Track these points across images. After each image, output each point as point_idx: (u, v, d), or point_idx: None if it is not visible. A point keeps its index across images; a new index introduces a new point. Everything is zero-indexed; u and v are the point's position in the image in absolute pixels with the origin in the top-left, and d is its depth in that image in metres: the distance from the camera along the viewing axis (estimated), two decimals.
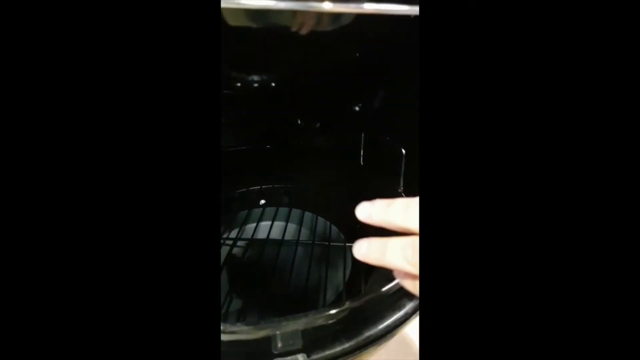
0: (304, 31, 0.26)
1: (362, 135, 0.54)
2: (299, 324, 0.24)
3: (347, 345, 0.25)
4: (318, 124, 0.62)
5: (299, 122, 0.62)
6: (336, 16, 0.25)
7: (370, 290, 0.27)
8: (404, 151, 0.45)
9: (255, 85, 0.49)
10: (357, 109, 0.55)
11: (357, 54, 0.40)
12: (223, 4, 0.18)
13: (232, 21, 0.24)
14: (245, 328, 0.24)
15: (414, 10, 0.20)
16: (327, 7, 0.19)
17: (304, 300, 0.44)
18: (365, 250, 0.21)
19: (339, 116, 0.59)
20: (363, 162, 0.56)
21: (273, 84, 0.49)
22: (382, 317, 0.27)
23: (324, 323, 0.25)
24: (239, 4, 0.18)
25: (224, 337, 0.24)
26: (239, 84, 0.49)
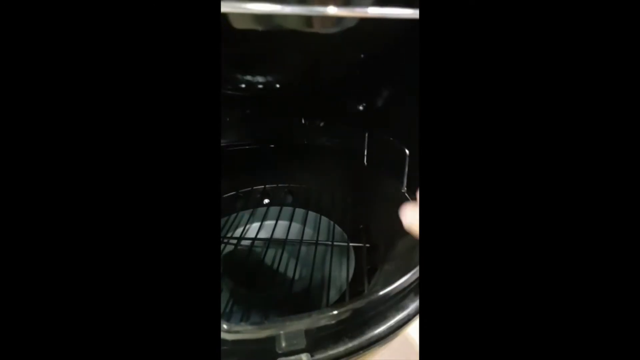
0: None
1: (366, 135, 0.55)
2: (303, 323, 0.24)
3: (350, 345, 0.25)
4: (322, 123, 0.62)
5: (303, 121, 0.62)
6: (340, 19, 0.25)
7: (373, 290, 0.27)
8: (407, 151, 0.45)
9: (260, 86, 0.49)
10: (361, 108, 0.55)
11: (362, 55, 0.40)
12: (228, 9, 0.18)
13: (237, 24, 0.24)
14: (249, 328, 0.24)
15: (417, 13, 0.20)
16: (332, 11, 0.19)
17: (307, 300, 0.45)
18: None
19: (343, 116, 0.59)
20: (367, 162, 0.56)
21: (277, 85, 0.49)
22: (385, 318, 0.28)
23: (327, 323, 0.25)
24: (244, 9, 0.18)
25: (228, 337, 0.24)
26: (243, 85, 0.49)
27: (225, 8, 0.18)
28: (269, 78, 0.47)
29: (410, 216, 0.21)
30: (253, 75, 0.46)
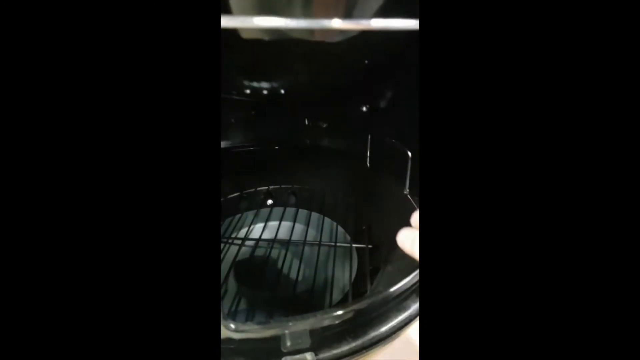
0: None
1: (369, 137, 0.55)
2: (307, 323, 0.25)
3: (353, 344, 0.26)
4: (325, 125, 0.63)
5: (306, 123, 0.63)
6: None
7: (376, 291, 0.27)
8: (410, 154, 0.45)
9: (265, 92, 0.49)
10: (364, 109, 0.55)
11: (366, 62, 0.41)
12: (237, 24, 0.19)
13: (244, 34, 0.25)
14: (255, 327, 0.25)
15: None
16: (336, 24, 0.20)
17: (311, 300, 0.45)
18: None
19: (346, 118, 0.60)
20: (369, 163, 0.56)
21: (282, 91, 0.50)
22: (387, 318, 0.28)
23: (330, 323, 0.26)
24: (251, 24, 0.19)
25: (235, 336, 0.25)
26: (248, 91, 0.49)
27: (233, 22, 0.19)
28: (274, 84, 0.47)
29: (403, 236, 0.22)
30: (258, 81, 0.46)
